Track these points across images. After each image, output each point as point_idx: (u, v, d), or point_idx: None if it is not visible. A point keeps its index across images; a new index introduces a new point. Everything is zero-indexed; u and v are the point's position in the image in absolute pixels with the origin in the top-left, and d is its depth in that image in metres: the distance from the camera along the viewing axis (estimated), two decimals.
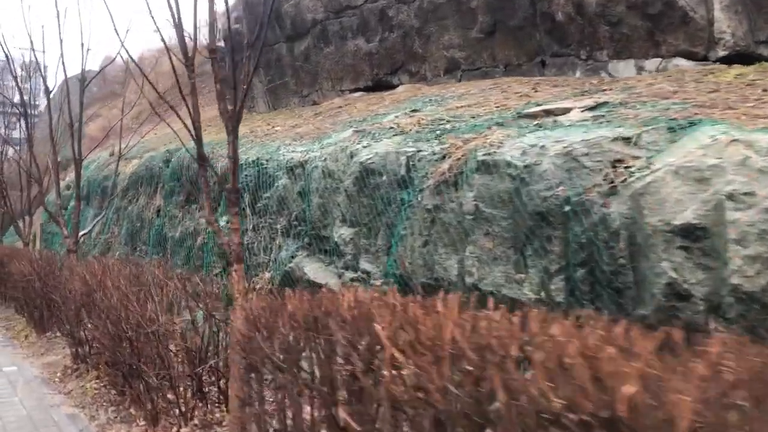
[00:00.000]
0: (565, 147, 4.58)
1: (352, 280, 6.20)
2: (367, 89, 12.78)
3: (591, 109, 5.65)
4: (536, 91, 7.14)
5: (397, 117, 7.48)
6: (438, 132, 6.25)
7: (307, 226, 7.03)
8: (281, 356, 3.45)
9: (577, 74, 9.47)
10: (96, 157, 18.68)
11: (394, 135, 6.60)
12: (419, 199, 5.50)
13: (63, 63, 9.04)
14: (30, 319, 12.08)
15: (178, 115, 6.05)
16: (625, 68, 8.92)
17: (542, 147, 4.74)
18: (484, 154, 5.05)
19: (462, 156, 5.35)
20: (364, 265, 6.10)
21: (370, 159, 6.25)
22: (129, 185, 13.09)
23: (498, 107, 6.66)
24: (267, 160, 8.18)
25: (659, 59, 8.49)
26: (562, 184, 4.43)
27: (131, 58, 9.05)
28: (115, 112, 25.34)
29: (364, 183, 6.21)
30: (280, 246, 7.38)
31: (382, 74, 12.65)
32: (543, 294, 4.45)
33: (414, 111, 7.51)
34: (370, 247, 6.08)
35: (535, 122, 5.59)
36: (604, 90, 6.43)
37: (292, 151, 7.91)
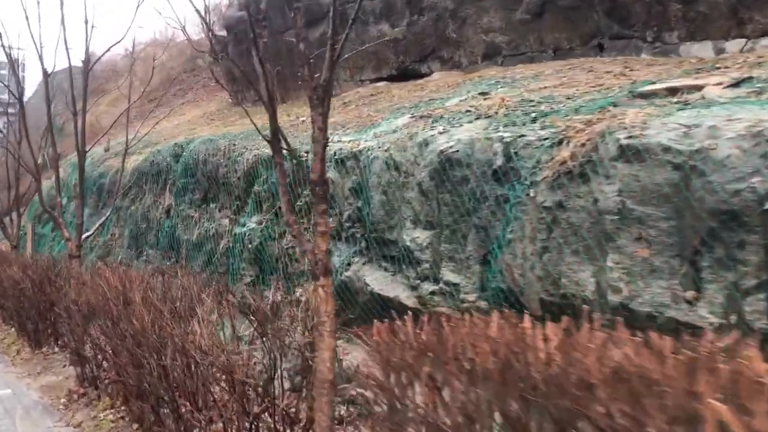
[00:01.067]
0: (751, 126, 3.50)
1: (432, 293, 5.07)
2: (392, 78, 11.66)
3: (734, 85, 4.58)
4: (631, 71, 6.07)
5: (463, 101, 6.37)
6: (533, 114, 5.15)
7: (366, 228, 5.89)
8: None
9: (642, 57, 8.42)
10: (88, 153, 17.39)
11: (475, 119, 5.49)
12: (531, 194, 4.39)
13: (66, 43, 7.80)
14: (21, 331, 10.79)
15: (219, 84, 4.84)
16: (700, 51, 7.88)
17: (712, 127, 3.65)
18: (627, 137, 3.94)
19: (587, 140, 4.25)
20: (448, 275, 4.97)
21: (451, 147, 5.13)
22: (131, 183, 11.83)
23: (596, 87, 5.57)
24: (306, 152, 7.02)
25: (743, 40, 7.47)
26: (757, 173, 3.34)
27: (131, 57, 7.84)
28: (102, 108, 23.97)
29: (445, 176, 5.09)
30: (330, 251, 6.21)
31: (409, 62, 11.52)
32: (732, 317, 3.37)
33: (483, 94, 6.40)
34: (456, 253, 4.96)
35: (675, 100, 4.51)
36: (727, 67, 5.38)
37: (338, 141, 6.76)
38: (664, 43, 8.37)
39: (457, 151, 5.07)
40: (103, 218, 8.76)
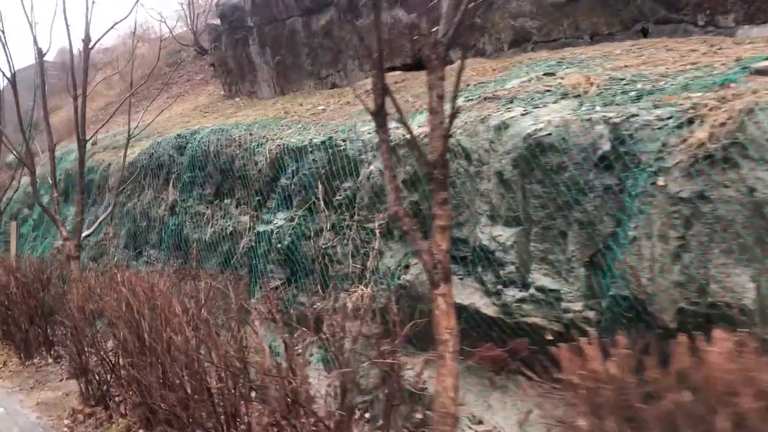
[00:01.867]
0: None
1: (520, 301, 4.31)
2: (407, 68, 10.89)
3: None
4: (720, 48, 5.40)
5: (527, 82, 5.63)
6: (633, 93, 4.43)
7: (429, 225, 5.12)
8: None
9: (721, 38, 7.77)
10: (71, 147, 16.28)
11: (559, 99, 4.74)
12: (660, 183, 3.66)
13: (65, 15, 6.81)
14: (6, 339, 9.80)
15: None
16: (761, 34, 7.25)
17: None
18: None
19: (728, 119, 3.53)
20: (542, 280, 4.22)
21: (540, 130, 4.38)
22: (126, 178, 10.87)
23: (690, 65, 4.87)
24: (343, 141, 6.22)
25: None
26: None
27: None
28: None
29: (535, 163, 4.34)
30: (381, 252, 5.44)
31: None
32: None
33: (550, 74, 5.66)
34: (551, 254, 4.21)
35: None
36: None
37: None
38: (717, 27, 7.70)
39: (549, 134, 4.32)
40: (104, 215, 7.85)
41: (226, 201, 7.86)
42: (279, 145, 7.07)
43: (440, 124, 2.99)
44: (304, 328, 4.38)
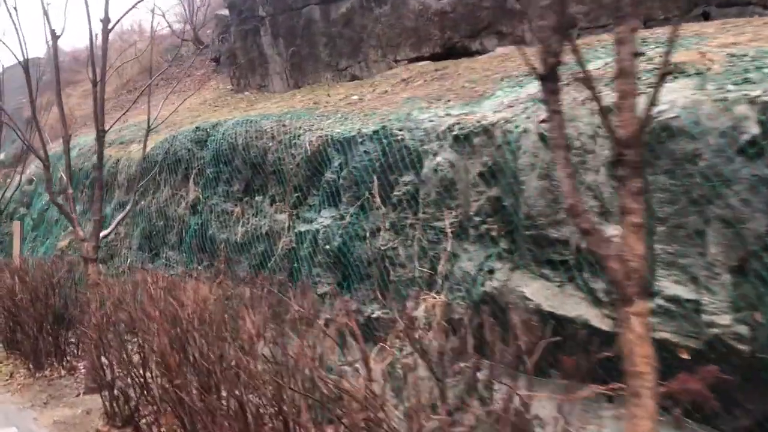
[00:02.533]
0: None
1: None
2: (436, 57, 10.21)
3: None
4: None
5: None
6: (765, 70, 3.79)
7: (512, 224, 4.45)
8: None
9: None
10: (74, 143, 15.48)
11: (674, 78, 4.09)
12: None
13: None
14: (11, 348, 9.05)
15: None
16: None
17: None
18: None
19: None
20: (672, 288, 3.56)
21: (664, 112, 3.73)
22: (138, 175, 10.15)
23: None
24: (400, 130, 5.54)
25: None
26: None
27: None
28: (72, 101, 22.06)
29: (661, 151, 3.69)
30: (454, 254, 4.76)
31: (458, 38, 10.07)
32: None
33: (638, 54, 5.00)
34: (684, 257, 3.55)
35: None
36: None
37: (445, 114, 5.31)
38: None
39: (677, 116, 3.67)
40: (123, 213, 7.12)
41: (257, 198, 7.16)
42: (320, 137, 6.38)
43: (633, 91, 2.31)
44: (385, 344, 3.72)
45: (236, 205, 7.38)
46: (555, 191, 4.19)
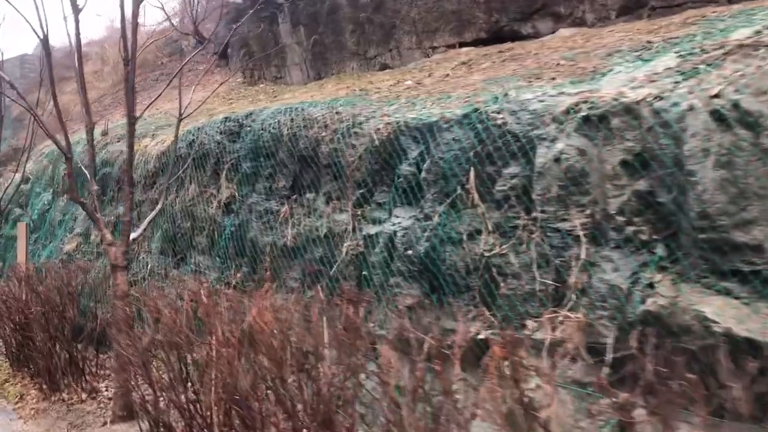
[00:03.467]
0: None
1: None
2: (480, 43, 9.29)
3: None
4: None
5: (758, 34, 4.06)
6: None
7: (682, 224, 3.54)
8: None
9: None
10: (77, 138, 14.39)
11: None
12: None
13: None
14: (20, 366, 8.05)
15: None
16: None
17: None
18: None
19: None
20: None
21: None
22: (156, 171, 9.18)
23: None
24: (497, 112, 4.61)
25: None
26: None
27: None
28: (67, 97, 20.95)
29: None
30: (591, 263, 3.84)
31: (506, 21, 9.16)
32: None
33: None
34: None
35: None
36: None
37: (558, 93, 4.39)
38: None
39: None
40: (154, 212, 6.13)
41: (308, 195, 6.20)
42: (389, 124, 5.43)
43: None
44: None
45: (282, 203, 6.42)
46: (741, 183, 3.28)
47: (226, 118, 7.97)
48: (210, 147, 7.81)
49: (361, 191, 5.57)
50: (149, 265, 8.38)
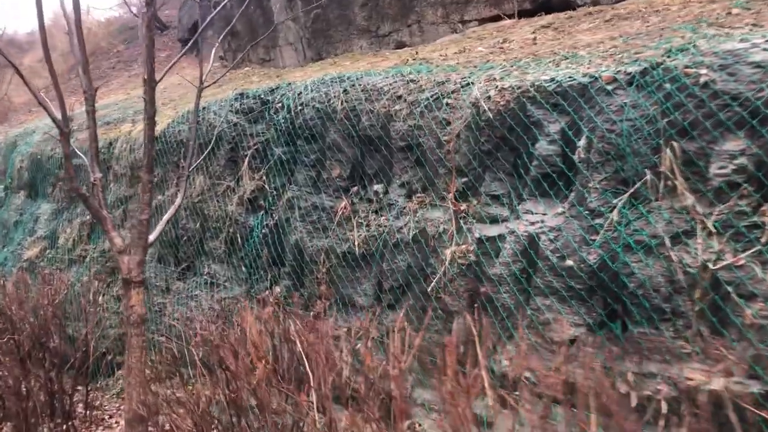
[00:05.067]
0: None
1: None
2: (523, 15, 7.95)
3: None
4: None
5: None
6: None
7: None
8: None
9: None
10: (32, 126, 12.41)
11: None
12: None
13: None
14: None
15: None
16: None
17: None
18: None
19: None
20: None
21: None
22: (191, 150, 7.46)
23: None
24: (694, 66, 3.24)
25: None
26: None
27: None
28: (11, 87, 18.81)
29: None
30: None
31: None
32: None
33: None
34: None
35: None
36: None
37: None
38: None
39: None
40: (173, 209, 4.53)
41: (376, 187, 4.71)
42: (506, 90, 4.00)
43: None
44: None
45: (338, 197, 4.91)
46: None
47: (241, 94, 6.40)
48: (223, 130, 6.22)
49: (464, 180, 4.13)
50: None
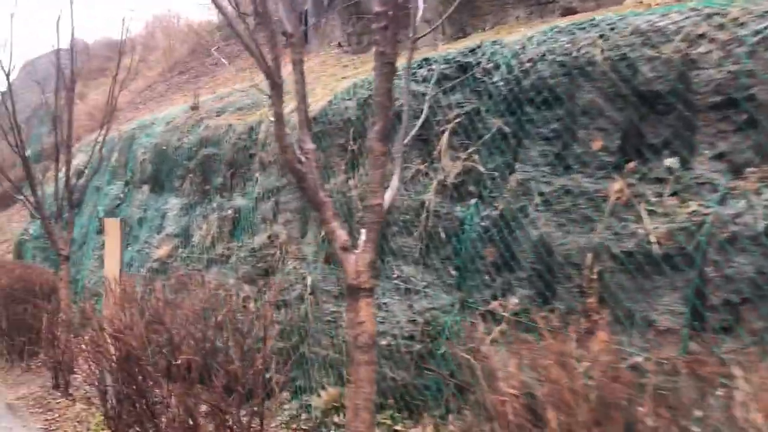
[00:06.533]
0: None
1: None
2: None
3: None
4: None
5: None
6: None
7: None
8: None
9: None
10: (148, 119, 11.61)
11: None
12: None
13: None
14: (122, 428, 5.33)
15: None
16: None
17: None
18: None
19: None
20: None
21: None
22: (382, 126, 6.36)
23: None
24: None
25: None
26: None
27: None
28: (103, 89, 18.35)
29: None
30: None
31: None
32: None
33: None
34: None
35: None
36: None
37: None
38: None
39: None
40: (390, 193, 3.35)
41: (668, 161, 3.37)
42: None
43: None
44: None
45: (604, 177, 3.60)
46: None
47: (426, 59, 5.19)
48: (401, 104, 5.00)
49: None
50: (307, 280, 5.61)
